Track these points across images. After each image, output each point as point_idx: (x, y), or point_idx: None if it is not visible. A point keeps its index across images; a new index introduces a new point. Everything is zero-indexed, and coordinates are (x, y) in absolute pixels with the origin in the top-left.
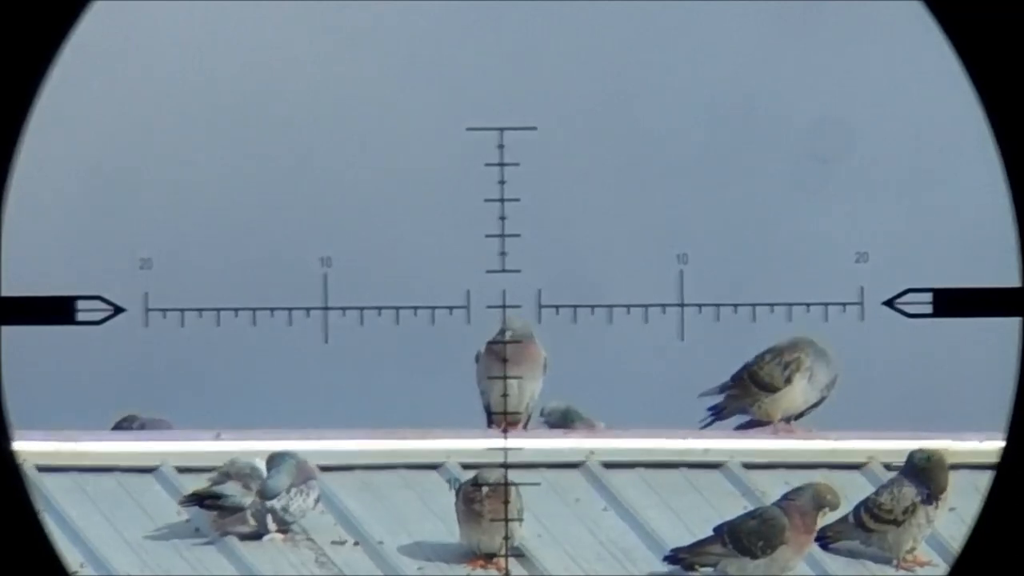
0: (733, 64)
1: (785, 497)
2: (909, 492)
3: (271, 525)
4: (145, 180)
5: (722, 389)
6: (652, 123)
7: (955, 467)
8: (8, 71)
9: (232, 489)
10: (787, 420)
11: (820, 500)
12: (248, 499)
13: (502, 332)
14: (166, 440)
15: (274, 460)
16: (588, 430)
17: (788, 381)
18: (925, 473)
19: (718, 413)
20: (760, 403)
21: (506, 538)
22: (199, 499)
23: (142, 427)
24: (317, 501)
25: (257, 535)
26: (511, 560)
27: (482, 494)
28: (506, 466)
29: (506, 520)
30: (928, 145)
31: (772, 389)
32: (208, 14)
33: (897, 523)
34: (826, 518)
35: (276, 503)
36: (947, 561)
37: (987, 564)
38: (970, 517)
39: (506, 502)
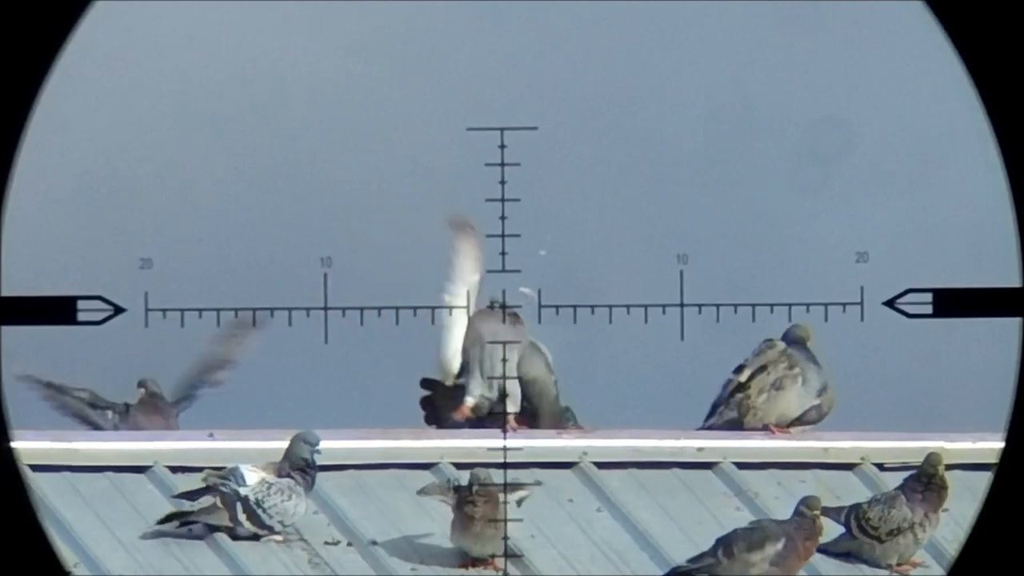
0: (733, 64)
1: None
2: (897, 515)
3: (245, 521)
4: (145, 180)
5: (712, 412)
6: (652, 123)
7: (949, 468)
8: (9, 71)
9: (207, 513)
10: (781, 427)
11: (813, 511)
12: (223, 515)
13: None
14: (159, 440)
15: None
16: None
17: (779, 388)
18: (927, 486)
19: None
20: (755, 411)
21: (505, 538)
22: (181, 521)
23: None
24: (298, 504)
25: (254, 536)
26: (505, 560)
27: (474, 495)
28: (506, 466)
29: (506, 520)
30: (928, 145)
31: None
32: (209, 15)
33: (881, 541)
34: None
35: (251, 495)
36: (940, 562)
37: (986, 566)
38: (963, 518)
39: (506, 502)
